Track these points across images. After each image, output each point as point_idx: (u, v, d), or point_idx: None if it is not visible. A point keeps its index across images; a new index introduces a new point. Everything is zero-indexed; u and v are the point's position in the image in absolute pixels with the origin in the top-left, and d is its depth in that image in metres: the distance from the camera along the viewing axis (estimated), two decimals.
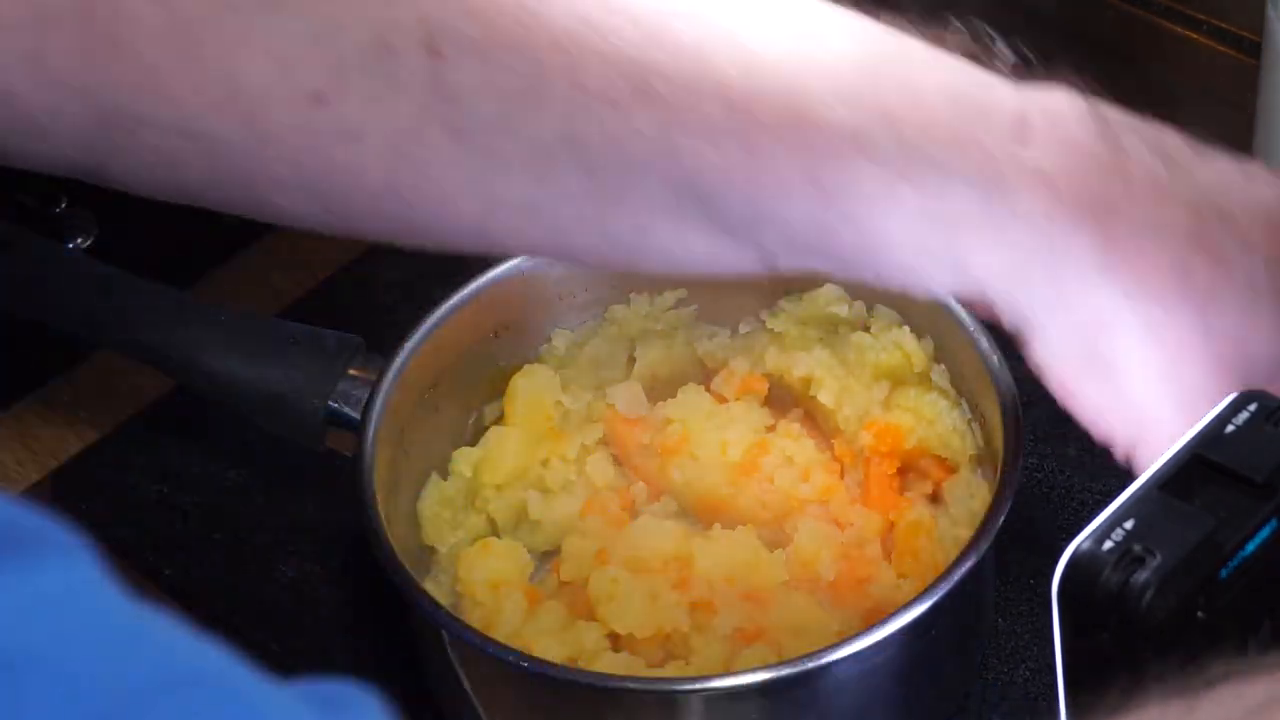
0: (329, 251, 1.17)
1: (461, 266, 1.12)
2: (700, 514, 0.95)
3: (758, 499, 0.95)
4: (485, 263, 0.97)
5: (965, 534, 0.90)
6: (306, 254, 1.17)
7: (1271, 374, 0.69)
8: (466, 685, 0.87)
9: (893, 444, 0.94)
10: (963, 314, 0.92)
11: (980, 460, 0.93)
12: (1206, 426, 0.69)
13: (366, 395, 0.91)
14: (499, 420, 0.98)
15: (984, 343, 0.90)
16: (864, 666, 0.83)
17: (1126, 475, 0.71)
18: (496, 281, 0.96)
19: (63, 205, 1.17)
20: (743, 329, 1.00)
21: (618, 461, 0.98)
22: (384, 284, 1.13)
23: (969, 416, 0.93)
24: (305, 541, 1.00)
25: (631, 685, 0.84)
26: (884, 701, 0.86)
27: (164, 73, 0.64)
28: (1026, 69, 0.74)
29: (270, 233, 1.18)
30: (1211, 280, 0.68)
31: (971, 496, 0.92)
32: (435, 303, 0.95)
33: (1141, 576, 0.65)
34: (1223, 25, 1.22)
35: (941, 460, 0.95)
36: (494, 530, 0.96)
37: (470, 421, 0.98)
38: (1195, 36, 1.23)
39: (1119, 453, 0.71)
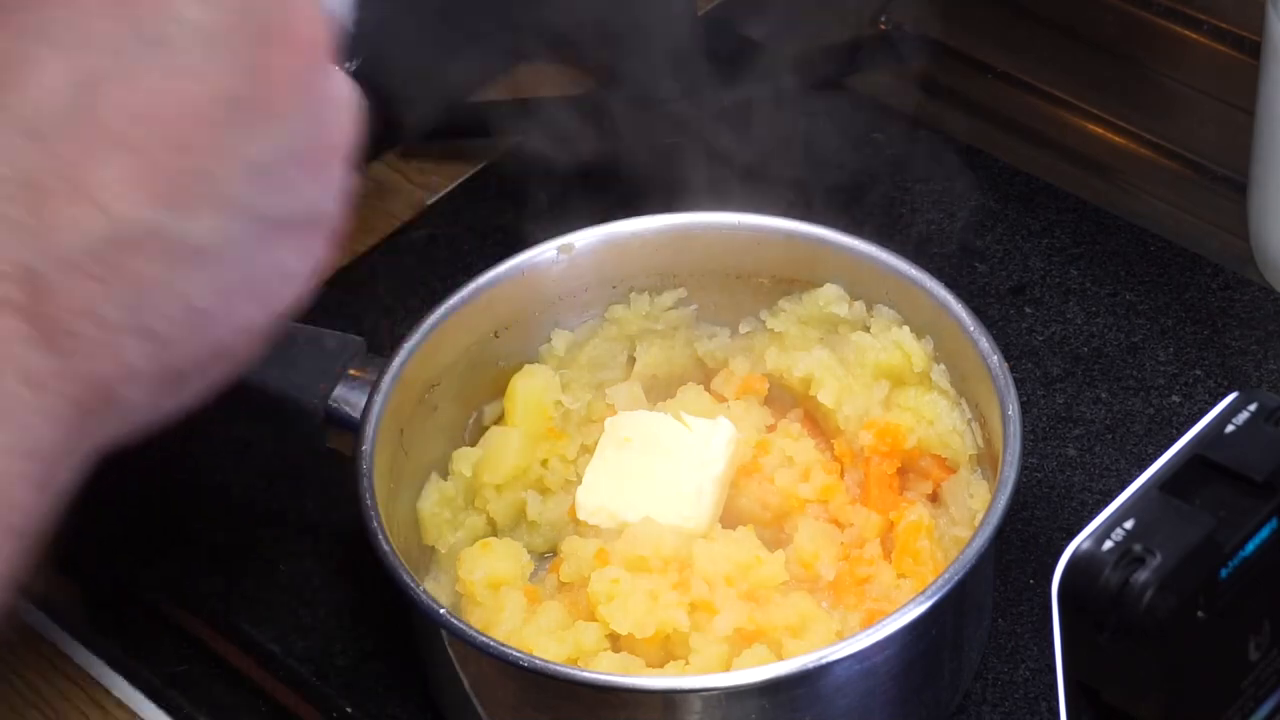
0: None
1: (461, 267, 1.13)
2: None
3: (758, 499, 0.95)
4: (485, 262, 0.97)
5: (965, 534, 0.90)
6: None
7: None
8: (466, 685, 0.87)
9: (893, 444, 0.94)
10: (963, 314, 0.92)
11: (980, 460, 0.93)
12: (1206, 426, 0.69)
13: (366, 395, 0.91)
14: (499, 420, 0.98)
15: (984, 343, 0.90)
16: (864, 666, 0.83)
17: (1126, 475, 0.71)
18: (496, 282, 0.96)
19: None
20: (743, 329, 1.00)
21: None
22: (384, 284, 1.13)
23: (969, 416, 0.93)
24: (305, 541, 1.00)
25: (631, 685, 0.84)
26: (884, 701, 0.85)
27: None
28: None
29: None
30: None
31: (971, 496, 0.92)
32: (435, 303, 0.95)
33: (1141, 576, 0.65)
34: (1223, 25, 1.22)
35: (941, 460, 0.95)
36: (494, 530, 0.96)
37: (470, 421, 0.98)
38: (1195, 36, 1.23)
39: None
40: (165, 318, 0.63)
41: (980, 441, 0.93)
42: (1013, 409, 0.87)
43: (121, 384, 0.63)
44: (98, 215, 0.61)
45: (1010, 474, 0.85)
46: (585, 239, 0.97)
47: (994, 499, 0.85)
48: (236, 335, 0.68)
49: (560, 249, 0.97)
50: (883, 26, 1.27)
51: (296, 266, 0.69)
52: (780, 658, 0.86)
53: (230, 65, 0.64)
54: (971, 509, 0.91)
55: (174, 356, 0.65)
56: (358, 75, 1.26)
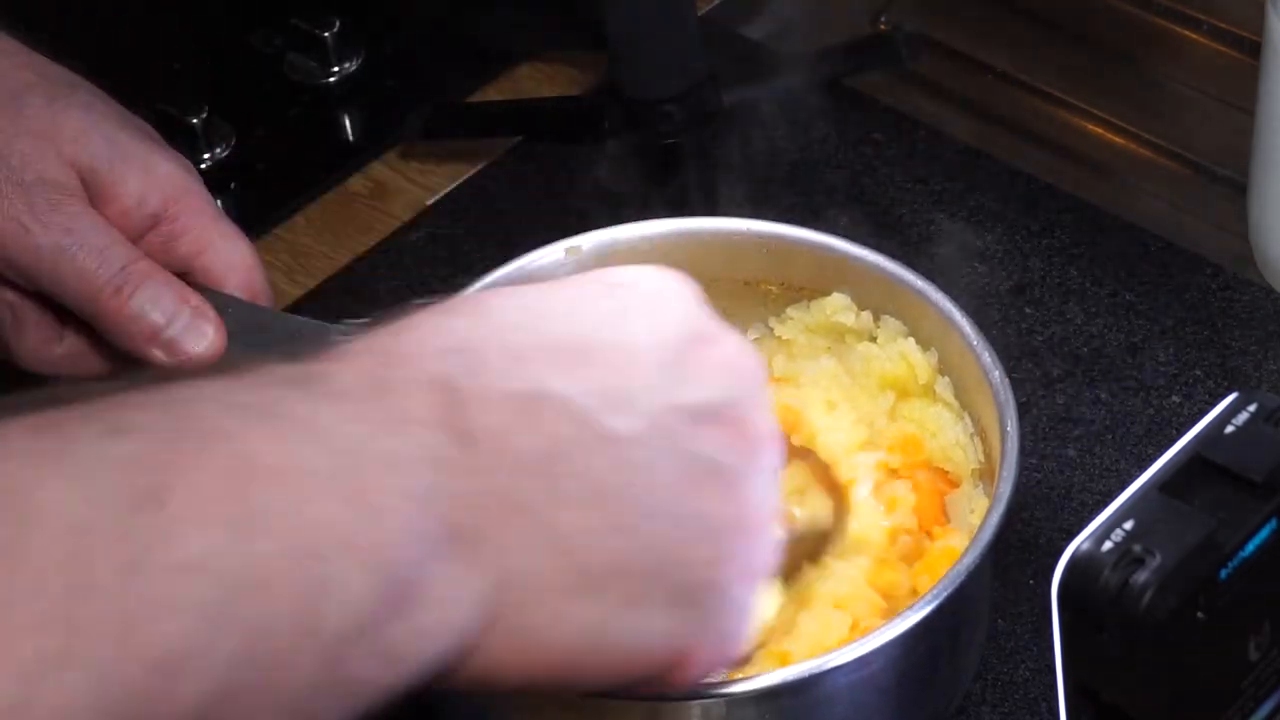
0: (329, 252, 1.17)
1: (461, 267, 1.12)
2: None
3: None
4: (485, 262, 0.97)
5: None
6: (306, 254, 1.17)
7: None
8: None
9: (903, 456, 0.94)
10: (966, 327, 0.91)
11: (982, 475, 0.92)
12: (1206, 427, 0.69)
13: None
14: None
15: (986, 357, 0.89)
16: (864, 670, 0.83)
17: (1126, 475, 0.71)
18: (497, 283, 0.96)
19: None
20: (750, 336, 0.99)
21: None
22: (384, 284, 1.13)
23: (972, 430, 0.92)
24: None
25: (630, 689, 0.83)
26: (884, 703, 0.85)
27: None
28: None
29: (269, 233, 1.18)
30: None
31: (973, 511, 0.91)
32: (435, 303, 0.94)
33: (1141, 577, 0.65)
34: (1223, 25, 1.22)
35: (944, 474, 0.94)
36: None
37: None
38: (1195, 36, 1.23)
39: None
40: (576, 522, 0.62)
41: (982, 456, 0.92)
42: (1011, 425, 0.87)
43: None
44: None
45: (1005, 489, 0.84)
46: (593, 241, 0.97)
47: (988, 513, 0.84)
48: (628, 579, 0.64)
49: (568, 250, 0.96)
50: (883, 26, 1.27)
51: (717, 527, 0.65)
52: (780, 661, 0.86)
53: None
54: (973, 524, 0.91)
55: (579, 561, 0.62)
56: (358, 75, 1.26)
